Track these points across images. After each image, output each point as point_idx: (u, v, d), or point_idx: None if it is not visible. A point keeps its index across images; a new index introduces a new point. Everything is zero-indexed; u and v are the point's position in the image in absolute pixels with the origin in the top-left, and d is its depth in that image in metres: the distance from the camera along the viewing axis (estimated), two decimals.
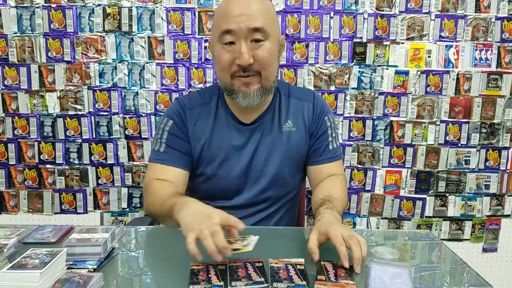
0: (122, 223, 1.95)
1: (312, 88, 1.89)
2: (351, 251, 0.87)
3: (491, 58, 1.89)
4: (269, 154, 1.19)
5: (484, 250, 2.05)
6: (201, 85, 1.87)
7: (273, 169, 1.20)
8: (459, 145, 1.95)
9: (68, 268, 0.83)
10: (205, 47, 1.85)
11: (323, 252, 0.90)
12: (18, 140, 1.89)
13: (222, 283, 0.81)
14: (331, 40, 1.87)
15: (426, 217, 2.01)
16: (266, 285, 0.81)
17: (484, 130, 1.94)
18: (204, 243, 0.80)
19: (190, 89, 1.87)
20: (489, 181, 1.99)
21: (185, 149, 1.20)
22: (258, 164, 1.19)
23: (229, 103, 1.21)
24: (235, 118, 1.20)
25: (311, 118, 1.23)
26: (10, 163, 1.91)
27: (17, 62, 1.84)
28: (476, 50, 1.89)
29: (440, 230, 2.02)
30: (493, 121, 1.94)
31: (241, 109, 1.18)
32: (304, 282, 0.81)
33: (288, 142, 1.20)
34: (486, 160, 1.97)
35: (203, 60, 1.86)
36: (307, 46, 1.86)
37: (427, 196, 1.99)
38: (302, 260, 0.90)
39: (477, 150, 1.96)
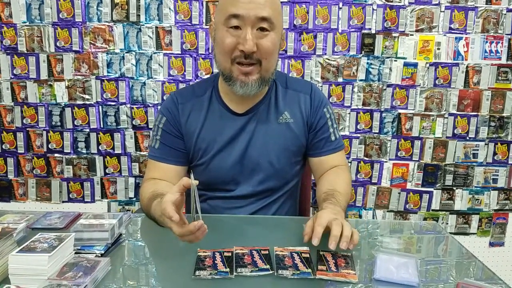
0: (129, 212, 1.97)
1: (319, 79, 1.89)
2: (331, 229, 0.86)
3: (501, 51, 1.87)
4: (265, 144, 1.19)
5: (491, 244, 2.04)
6: (208, 76, 1.87)
7: (270, 159, 1.19)
8: (467, 138, 1.94)
9: (76, 253, 0.84)
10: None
11: (321, 242, 0.89)
12: (27, 129, 1.91)
13: (228, 269, 0.81)
14: (340, 31, 1.85)
15: (432, 210, 2.00)
16: (271, 272, 0.81)
17: (493, 124, 1.93)
18: (188, 241, 0.85)
19: (196, 80, 1.88)
20: (497, 175, 1.97)
21: (178, 145, 1.21)
22: (253, 153, 1.19)
23: (223, 93, 1.21)
24: (228, 108, 1.20)
25: (308, 110, 1.22)
26: (19, 151, 1.93)
27: (26, 52, 1.85)
28: (486, 42, 1.86)
29: (447, 223, 2.01)
30: (502, 115, 1.92)
31: (235, 99, 1.18)
32: (309, 270, 0.82)
33: (285, 133, 1.20)
34: (495, 154, 1.95)
35: (210, 51, 1.86)
36: (315, 37, 1.85)
37: (434, 189, 1.98)
38: (307, 249, 0.91)
39: (486, 144, 1.95)
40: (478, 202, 1.99)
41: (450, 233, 1.98)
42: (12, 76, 1.87)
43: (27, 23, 1.83)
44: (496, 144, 1.95)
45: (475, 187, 1.98)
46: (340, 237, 0.85)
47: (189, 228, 0.82)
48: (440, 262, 0.93)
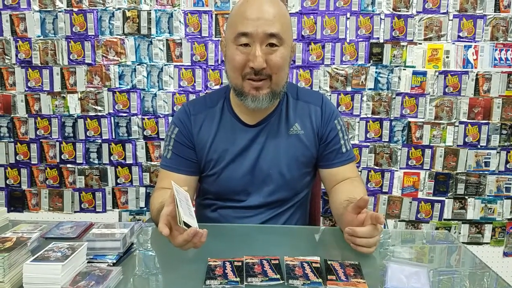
0: (140, 222, 1.98)
1: (328, 89, 1.89)
2: (375, 218, 0.91)
3: (511, 58, 1.86)
4: (275, 155, 1.20)
5: (505, 254, 2.00)
6: (217, 87, 1.89)
7: (280, 171, 1.20)
8: (479, 146, 1.92)
9: (88, 262, 0.85)
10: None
11: (328, 252, 0.89)
12: (40, 140, 1.95)
13: (238, 279, 0.81)
14: (348, 41, 1.86)
15: (444, 219, 1.98)
16: (281, 282, 0.81)
17: (504, 132, 1.91)
18: (186, 249, 0.87)
19: (206, 91, 1.90)
20: (510, 184, 1.94)
21: (189, 156, 1.23)
22: (264, 165, 1.19)
23: (235, 105, 1.22)
24: (239, 120, 1.21)
25: (319, 122, 1.23)
26: (32, 162, 1.96)
27: (40, 65, 1.89)
28: (496, 50, 1.86)
29: (459, 233, 1.98)
30: None
31: (246, 111, 1.19)
32: (320, 280, 0.82)
33: (296, 144, 1.21)
34: (507, 162, 1.93)
35: (219, 62, 1.89)
36: (323, 47, 1.87)
37: (446, 198, 1.96)
38: (317, 258, 0.90)
39: (497, 152, 1.92)
40: (491, 211, 1.97)
41: (463, 242, 1.94)
42: (27, 89, 1.91)
43: (41, 37, 1.88)
44: (508, 152, 1.92)
45: (488, 196, 1.96)
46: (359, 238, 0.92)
47: (184, 238, 0.83)
48: (453, 273, 0.92)
